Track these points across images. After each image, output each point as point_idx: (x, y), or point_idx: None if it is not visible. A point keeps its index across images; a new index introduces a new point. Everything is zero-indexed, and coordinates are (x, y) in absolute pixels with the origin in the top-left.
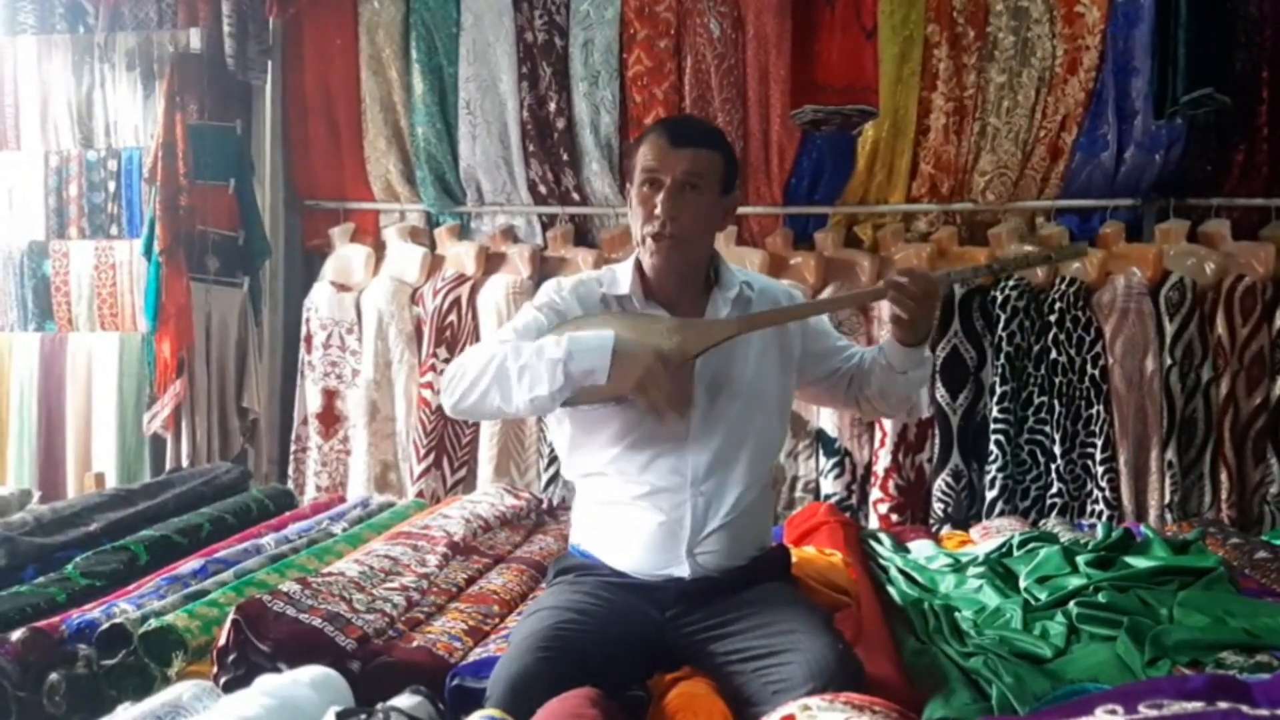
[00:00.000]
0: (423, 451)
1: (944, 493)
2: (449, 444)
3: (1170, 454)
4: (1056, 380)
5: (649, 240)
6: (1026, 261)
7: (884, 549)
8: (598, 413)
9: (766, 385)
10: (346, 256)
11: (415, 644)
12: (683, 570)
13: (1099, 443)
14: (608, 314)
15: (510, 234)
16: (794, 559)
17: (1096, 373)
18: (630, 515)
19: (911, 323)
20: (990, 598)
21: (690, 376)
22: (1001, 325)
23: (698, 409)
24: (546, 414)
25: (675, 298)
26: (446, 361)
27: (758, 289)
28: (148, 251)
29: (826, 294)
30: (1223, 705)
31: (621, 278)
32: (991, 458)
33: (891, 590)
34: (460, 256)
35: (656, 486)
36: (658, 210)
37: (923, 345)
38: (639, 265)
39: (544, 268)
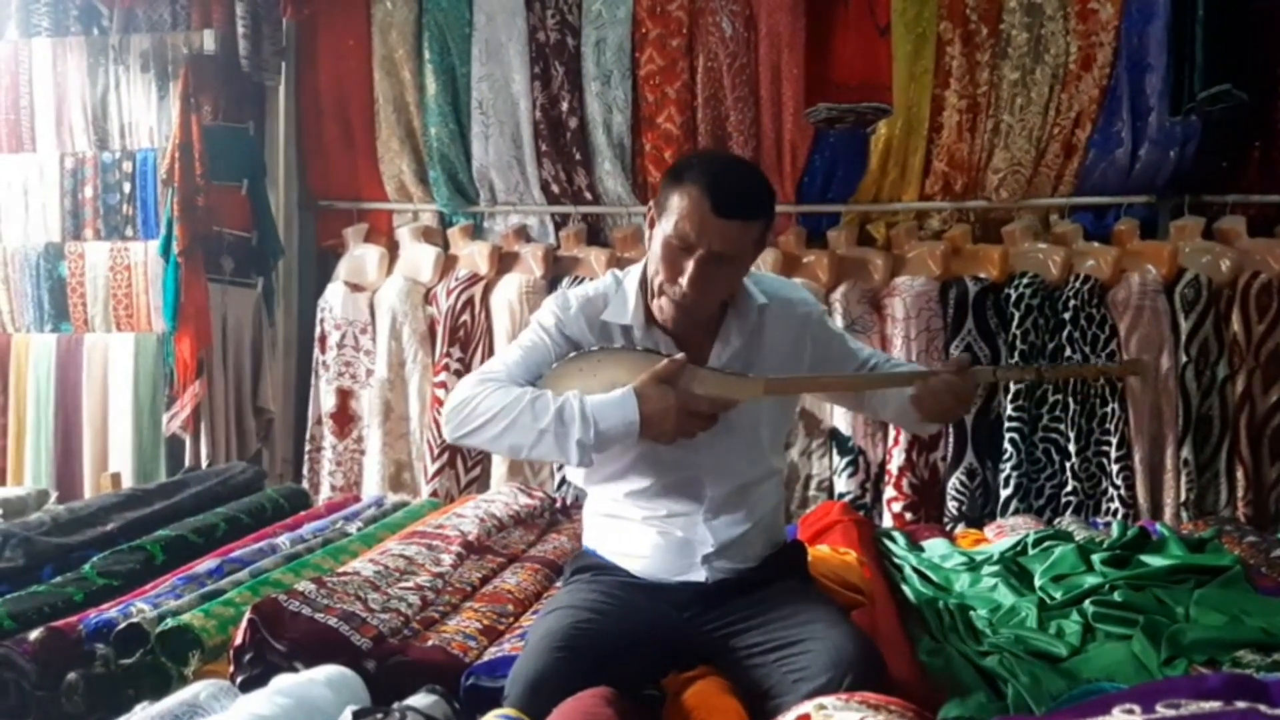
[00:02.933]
0: (436, 451)
1: (958, 491)
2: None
3: (1186, 452)
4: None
5: (663, 297)
6: (1079, 372)
7: (898, 548)
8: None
9: (777, 408)
10: (360, 256)
11: (430, 643)
12: (699, 576)
13: (1114, 440)
14: (626, 353)
15: (523, 233)
16: (809, 557)
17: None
18: (643, 531)
19: (935, 417)
20: (1005, 596)
21: (716, 407)
22: (1015, 323)
23: (709, 441)
24: None
25: (685, 329)
26: (460, 361)
27: (776, 306)
28: (165, 252)
29: (839, 293)
30: (1240, 705)
31: (627, 303)
32: (1006, 456)
33: (906, 589)
34: (473, 256)
35: (672, 511)
36: (683, 280)
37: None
38: (644, 290)
39: (557, 267)
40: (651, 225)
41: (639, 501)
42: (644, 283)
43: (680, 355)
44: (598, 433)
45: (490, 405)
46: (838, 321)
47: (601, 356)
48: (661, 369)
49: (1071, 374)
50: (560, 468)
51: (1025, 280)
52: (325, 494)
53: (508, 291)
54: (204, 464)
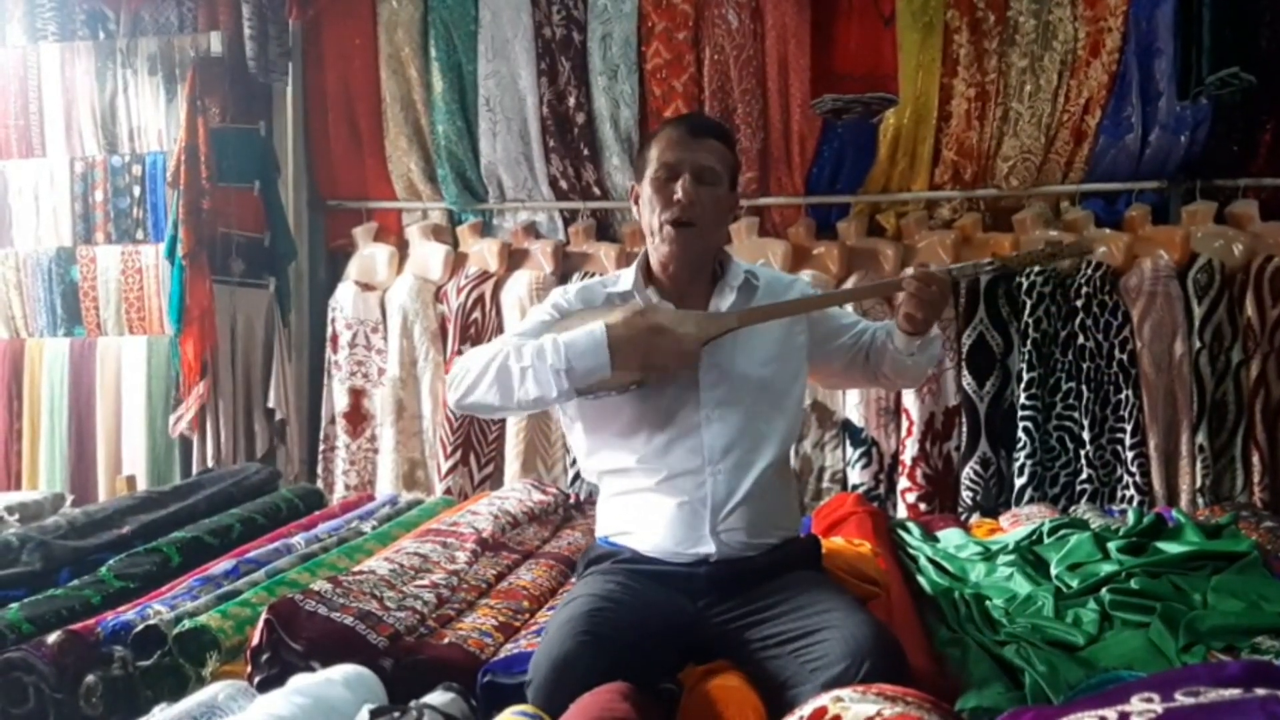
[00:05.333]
0: (450, 449)
1: (972, 481)
2: (476, 441)
3: (1201, 438)
4: (1084, 365)
5: (667, 228)
6: (1030, 258)
7: (913, 538)
8: (608, 405)
9: (773, 362)
10: (370, 256)
11: (447, 641)
12: (708, 548)
13: (1128, 428)
14: (608, 308)
15: (532, 230)
16: (823, 550)
17: (1125, 357)
18: (652, 500)
19: (922, 319)
20: (1021, 586)
21: (689, 338)
22: (1027, 311)
23: (707, 391)
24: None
25: (680, 293)
26: None
27: (763, 281)
28: (171, 255)
29: (850, 284)
30: (1260, 692)
31: (625, 276)
32: (1020, 445)
33: (921, 580)
34: (483, 253)
35: (675, 470)
36: (678, 195)
37: (927, 331)
38: (644, 264)
39: (566, 263)
40: (636, 201)
41: (645, 464)
42: (643, 266)
43: (650, 292)
44: (567, 360)
45: (480, 360)
46: (848, 311)
47: (583, 314)
48: (631, 306)
49: (1022, 262)
50: (574, 462)
51: (1037, 268)
52: (339, 493)
53: (518, 288)
54: (210, 465)
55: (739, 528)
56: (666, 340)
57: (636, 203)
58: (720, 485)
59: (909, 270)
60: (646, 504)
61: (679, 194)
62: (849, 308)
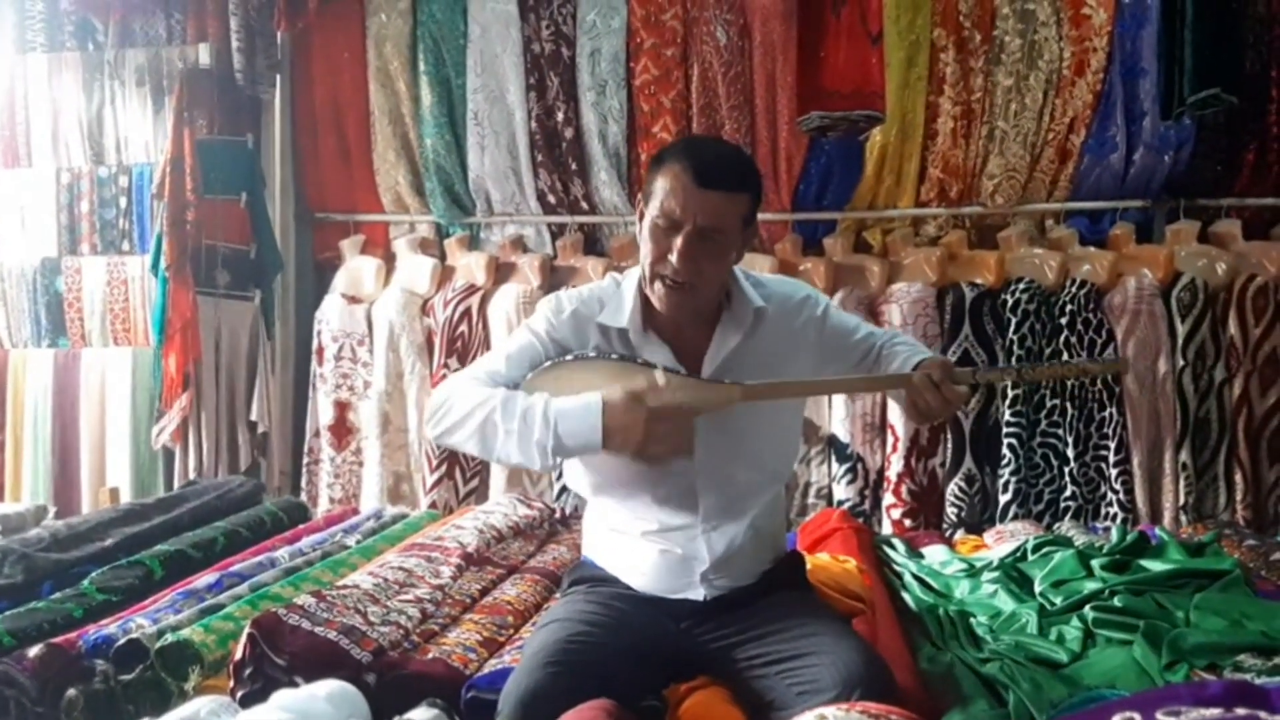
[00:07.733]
0: (435, 462)
1: (957, 497)
2: (461, 455)
3: (1184, 456)
4: (1068, 383)
5: (657, 283)
6: (1058, 372)
7: (898, 555)
8: (596, 456)
9: (775, 414)
10: (357, 268)
11: (430, 656)
12: (697, 594)
13: (1112, 445)
14: (601, 362)
15: (520, 244)
16: (808, 565)
17: (1109, 375)
18: (642, 547)
19: (923, 417)
20: (1005, 602)
21: (690, 424)
22: (1012, 328)
23: (705, 448)
24: None
25: (680, 331)
26: (458, 372)
27: (774, 309)
28: (155, 267)
29: (836, 299)
30: (1241, 712)
31: (624, 305)
32: (1004, 461)
33: (906, 596)
34: (470, 267)
35: (667, 525)
36: (672, 256)
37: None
38: (642, 292)
39: (554, 277)
40: (641, 219)
41: (636, 512)
42: (641, 291)
43: (659, 372)
44: (556, 435)
45: (465, 405)
46: (856, 325)
47: (576, 365)
48: (636, 385)
49: (1051, 375)
50: (560, 476)
51: (1022, 285)
52: (324, 507)
53: (505, 302)
54: (191, 476)
55: (731, 573)
56: (664, 429)
57: (640, 220)
58: (715, 540)
59: (927, 361)
60: (635, 549)
61: (674, 256)
62: (858, 319)
